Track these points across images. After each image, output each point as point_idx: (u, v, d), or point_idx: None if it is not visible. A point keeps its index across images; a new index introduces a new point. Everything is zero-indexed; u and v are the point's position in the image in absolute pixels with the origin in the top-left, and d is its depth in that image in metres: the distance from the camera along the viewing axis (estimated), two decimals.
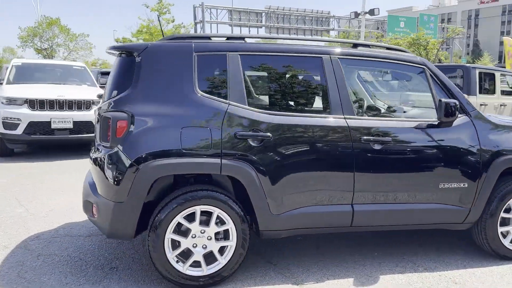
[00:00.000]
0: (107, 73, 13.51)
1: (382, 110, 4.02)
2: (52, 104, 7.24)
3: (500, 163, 3.37)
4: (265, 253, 3.56)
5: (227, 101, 2.97)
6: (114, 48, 3.18)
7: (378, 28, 64.40)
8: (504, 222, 3.53)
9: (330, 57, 3.19)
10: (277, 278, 3.16)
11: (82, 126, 7.46)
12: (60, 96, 7.29)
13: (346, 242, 3.84)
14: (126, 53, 3.09)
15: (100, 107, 3.08)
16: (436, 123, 3.30)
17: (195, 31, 44.15)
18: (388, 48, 3.49)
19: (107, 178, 2.85)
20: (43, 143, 7.46)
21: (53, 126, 7.21)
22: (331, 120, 3.11)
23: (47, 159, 7.42)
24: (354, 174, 3.11)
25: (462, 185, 3.32)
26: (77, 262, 3.37)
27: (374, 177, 3.17)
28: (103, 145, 2.96)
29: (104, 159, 2.87)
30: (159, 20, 3.47)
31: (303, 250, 3.64)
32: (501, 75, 8.92)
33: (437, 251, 3.70)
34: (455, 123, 3.31)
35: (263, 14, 53.30)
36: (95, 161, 3.02)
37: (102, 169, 2.88)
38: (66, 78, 8.75)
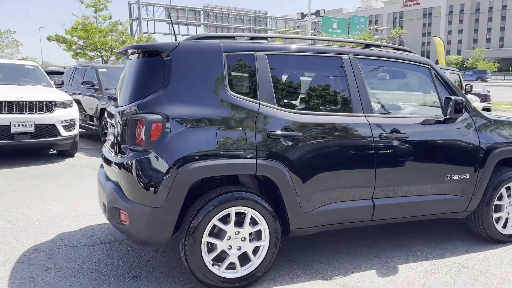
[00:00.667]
0: (54, 73, 12.69)
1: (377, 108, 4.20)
2: (11, 107, 6.69)
3: (496, 154, 3.67)
4: (282, 252, 3.58)
5: (258, 101, 2.96)
6: (137, 47, 3.04)
7: (312, 29, 66.38)
8: (496, 209, 3.86)
9: (349, 57, 3.29)
10: (305, 275, 3.21)
11: (44, 130, 6.97)
12: (19, 98, 6.75)
13: (353, 236, 3.97)
14: (150, 53, 2.97)
15: (124, 110, 2.92)
16: (442, 119, 3.52)
17: (131, 28, 42.84)
18: (395, 49, 3.66)
19: (141, 182, 2.72)
20: (1, 149, 6.87)
21: (12, 130, 6.67)
22: (354, 118, 3.21)
23: (6, 166, 6.85)
24: (375, 169, 3.24)
25: (465, 176, 3.58)
26: (92, 273, 3.18)
27: (392, 171, 3.33)
28: (131, 149, 2.83)
29: (136, 163, 2.74)
30: (171, 24, 3.28)
31: (317, 247, 3.72)
32: (449, 73, 9.63)
33: (438, 240, 3.95)
34: (458, 119, 3.56)
35: (202, 12, 52.95)
36: (120, 165, 2.87)
37: (135, 174, 2.75)
38: (17, 79, 8.10)
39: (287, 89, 3.20)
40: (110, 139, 3.44)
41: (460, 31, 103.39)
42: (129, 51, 3.33)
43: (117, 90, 3.52)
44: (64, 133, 7.22)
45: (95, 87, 8.98)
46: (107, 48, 31.45)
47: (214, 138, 2.79)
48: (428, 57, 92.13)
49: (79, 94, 9.44)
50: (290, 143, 2.97)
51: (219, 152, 2.78)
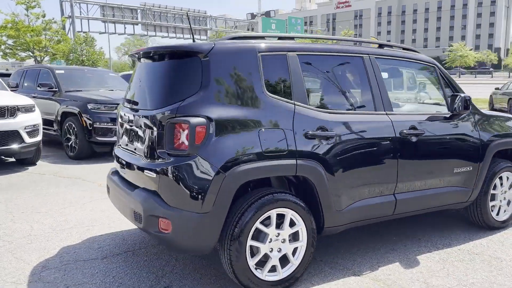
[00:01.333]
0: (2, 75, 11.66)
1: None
2: None
3: (493, 147, 3.95)
4: None
5: (293, 101, 2.96)
6: (171, 48, 2.89)
7: (248, 29, 66.96)
8: (491, 198, 4.15)
9: (369, 56, 3.38)
10: (335, 272, 3.25)
11: (7, 137, 6.41)
12: None
13: (362, 232, 4.07)
14: (183, 54, 2.85)
15: (155, 115, 2.78)
16: (448, 115, 3.72)
17: (64, 27, 40.59)
18: (404, 49, 3.81)
19: (187, 188, 2.61)
20: None
21: None
22: (379, 116, 3.30)
23: None
24: (397, 165, 3.35)
25: (468, 168, 3.81)
26: (119, 287, 2.99)
27: (411, 167, 3.46)
28: (170, 153, 2.69)
29: (179, 168, 2.62)
30: (191, 29, 3.05)
31: (335, 245, 3.76)
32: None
33: (439, 230, 4.17)
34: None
35: (139, 11, 51.39)
36: (157, 171, 2.72)
37: (179, 179, 2.62)
38: None
39: (316, 88, 3.22)
40: (128, 144, 3.25)
41: (389, 32, 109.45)
42: (141, 53, 3.19)
43: (131, 93, 3.34)
44: (28, 139, 6.70)
45: (53, 89, 8.41)
46: (40, 48, 29.62)
47: (257, 139, 2.74)
48: None
49: (33, 97, 8.76)
50: (324, 143, 3.00)
51: (263, 153, 2.74)
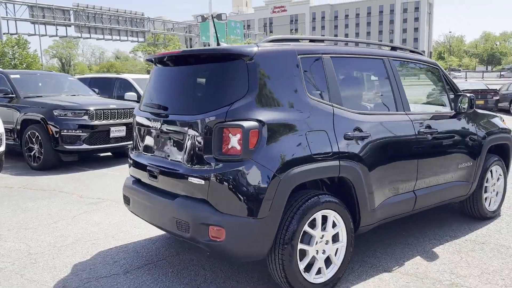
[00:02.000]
0: None
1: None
2: None
3: (487, 142, 4.24)
4: None
5: (331, 103, 2.98)
6: (210, 51, 2.79)
7: (186, 31, 66.06)
8: (485, 190, 4.45)
9: (388, 59, 3.50)
10: (367, 270, 3.31)
11: None
12: None
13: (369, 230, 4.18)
14: (224, 57, 2.76)
15: (196, 120, 2.67)
16: (452, 114, 3.95)
17: None
18: (411, 51, 3.98)
19: (242, 193, 2.53)
20: None
21: None
22: (401, 116, 3.42)
23: None
24: (417, 163, 3.50)
25: (469, 164, 4.06)
26: None
27: (428, 164, 3.62)
28: (218, 159, 2.60)
29: (233, 173, 2.54)
30: (216, 33, 3.00)
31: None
32: None
33: (438, 223, 4.39)
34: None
35: (71, 12, 48.92)
36: (207, 177, 2.61)
37: (233, 185, 2.54)
38: None
39: (348, 90, 3.26)
40: (156, 150, 3.09)
41: (323, 36, 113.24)
42: (157, 58, 3.08)
43: (155, 97, 3.19)
44: None
45: (10, 95, 7.77)
46: None
47: (305, 142, 2.73)
48: None
49: None
50: (360, 143, 3.05)
51: (312, 156, 2.74)
